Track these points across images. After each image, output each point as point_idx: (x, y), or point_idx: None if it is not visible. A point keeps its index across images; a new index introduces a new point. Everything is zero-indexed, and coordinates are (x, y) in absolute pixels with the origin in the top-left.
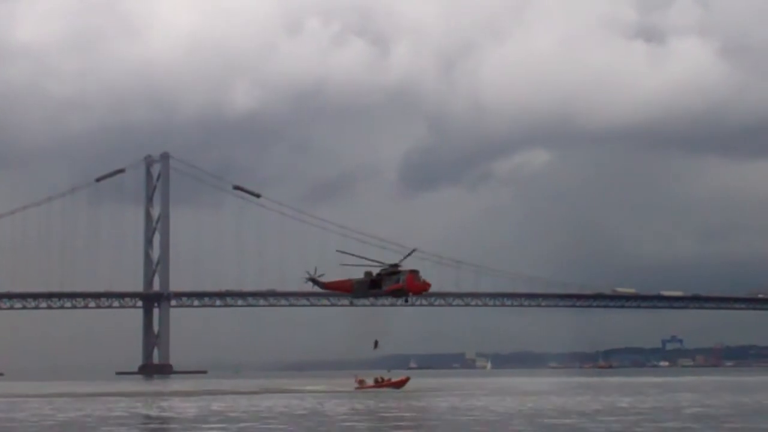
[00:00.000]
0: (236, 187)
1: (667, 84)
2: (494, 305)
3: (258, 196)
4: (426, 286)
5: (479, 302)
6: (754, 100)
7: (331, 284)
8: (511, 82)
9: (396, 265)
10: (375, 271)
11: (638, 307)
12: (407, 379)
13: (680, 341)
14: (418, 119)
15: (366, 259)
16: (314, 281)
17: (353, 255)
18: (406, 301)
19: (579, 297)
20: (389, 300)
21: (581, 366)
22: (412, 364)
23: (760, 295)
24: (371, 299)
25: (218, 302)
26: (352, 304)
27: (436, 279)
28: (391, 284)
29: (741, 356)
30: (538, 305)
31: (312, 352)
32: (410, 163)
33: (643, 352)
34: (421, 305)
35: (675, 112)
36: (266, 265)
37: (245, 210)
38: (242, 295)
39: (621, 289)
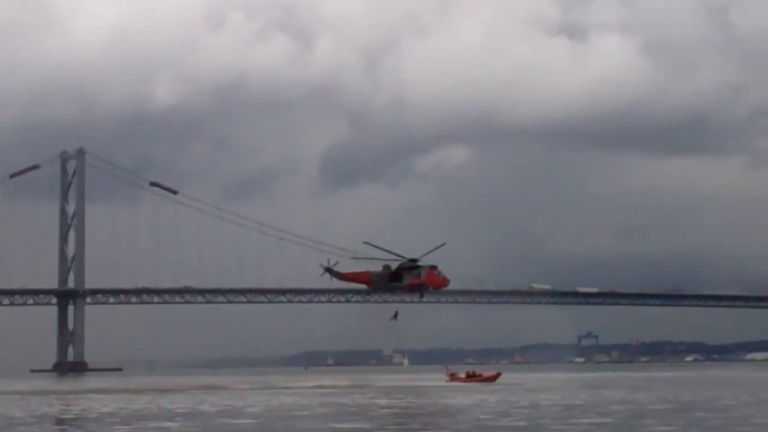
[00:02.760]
0: (153, 184)
1: (590, 81)
2: (411, 302)
3: (175, 192)
4: (446, 281)
5: (396, 299)
6: (674, 97)
7: (349, 275)
8: (434, 78)
9: (415, 260)
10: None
11: (554, 303)
12: (499, 375)
13: (596, 337)
14: (340, 115)
15: (390, 252)
16: (330, 271)
17: (379, 248)
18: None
19: (496, 293)
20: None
21: (497, 362)
22: (330, 361)
23: (675, 292)
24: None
25: (134, 299)
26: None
27: None
28: (411, 279)
29: (656, 352)
30: (456, 301)
31: (227, 349)
32: (331, 160)
33: (559, 348)
34: (338, 302)
35: (596, 109)
36: (183, 262)
37: (162, 207)
38: (158, 292)
39: (537, 286)
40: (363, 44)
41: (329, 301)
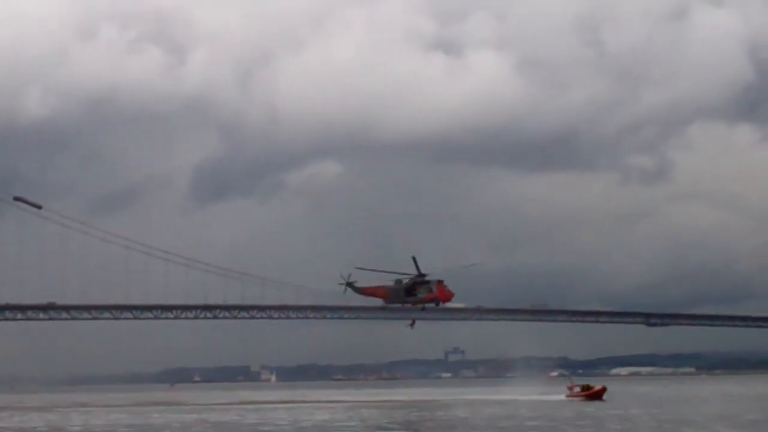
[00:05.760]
0: (17, 198)
1: (464, 97)
2: (279, 317)
3: (39, 207)
4: (452, 294)
5: (264, 314)
6: (546, 114)
7: (367, 289)
8: (308, 93)
9: (422, 275)
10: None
11: (422, 318)
12: (605, 389)
13: (462, 352)
14: (212, 129)
15: (386, 272)
16: (350, 286)
17: (374, 270)
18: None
19: (364, 309)
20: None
21: (365, 378)
22: (197, 378)
23: (541, 307)
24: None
25: None
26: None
27: (222, 292)
28: (425, 293)
29: (522, 367)
30: (324, 317)
31: (91, 366)
32: (202, 174)
33: (426, 364)
34: (205, 318)
35: (470, 124)
36: (47, 278)
37: (26, 222)
38: (22, 308)
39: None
40: (237, 58)
41: (196, 317)
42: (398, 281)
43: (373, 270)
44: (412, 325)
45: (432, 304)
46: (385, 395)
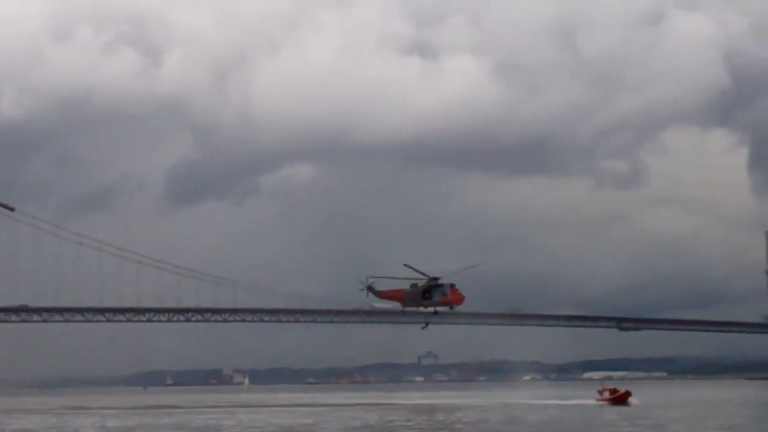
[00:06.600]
0: None
1: (441, 100)
2: (252, 321)
3: (12, 209)
4: (463, 298)
5: (237, 318)
6: (522, 118)
7: (386, 293)
8: (284, 96)
9: (436, 279)
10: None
11: (395, 322)
12: (629, 393)
13: (435, 356)
14: (187, 131)
15: (419, 272)
16: (370, 289)
17: (414, 269)
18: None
19: (337, 313)
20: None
21: (337, 381)
22: (168, 381)
23: (515, 311)
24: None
25: None
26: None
27: (195, 295)
28: (440, 296)
29: (494, 371)
30: (297, 321)
31: (64, 369)
32: (176, 177)
33: (399, 368)
34: (178, 321)
35: (446, 128)
36: (19, 281)
37: None
38: None
39: (379, 305)
40: (212, 60)
41: (169, 321)
42: (414, 285)
43: (415, 269)
44: (425, 327)
45: (446, 308)
46: (402, 399)
